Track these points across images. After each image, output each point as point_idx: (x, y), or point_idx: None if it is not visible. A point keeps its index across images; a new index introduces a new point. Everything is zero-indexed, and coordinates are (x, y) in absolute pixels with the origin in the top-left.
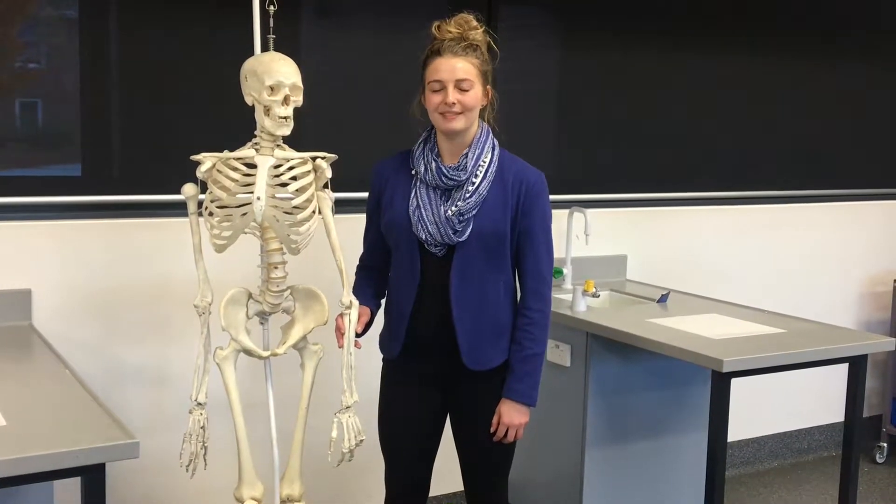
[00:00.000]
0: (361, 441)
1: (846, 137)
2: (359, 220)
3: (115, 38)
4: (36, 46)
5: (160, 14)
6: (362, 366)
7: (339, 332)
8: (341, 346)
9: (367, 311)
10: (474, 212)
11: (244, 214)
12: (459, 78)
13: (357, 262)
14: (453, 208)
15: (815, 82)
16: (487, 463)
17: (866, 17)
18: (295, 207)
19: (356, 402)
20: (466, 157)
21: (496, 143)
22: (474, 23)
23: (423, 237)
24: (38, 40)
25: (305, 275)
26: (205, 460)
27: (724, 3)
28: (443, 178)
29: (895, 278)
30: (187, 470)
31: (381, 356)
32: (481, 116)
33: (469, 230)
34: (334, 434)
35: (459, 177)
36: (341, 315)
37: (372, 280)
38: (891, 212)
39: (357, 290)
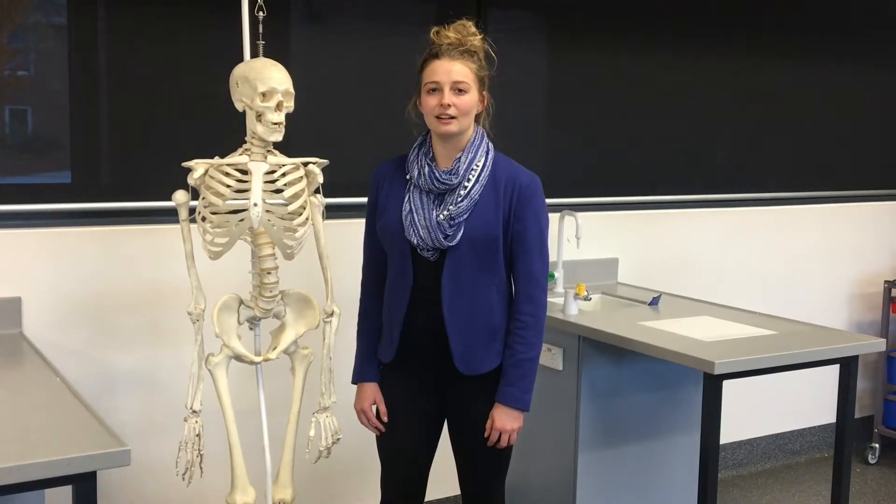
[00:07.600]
0: (338, 439)
1: (836, 139)
2: (349, 225)
3: (105, 45)
4: (25, 53)
5: (149, 20)
6: (347, 368)
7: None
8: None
9: (374, 390)
10: (465, 216)
11: (241, 220)
12: (456, 80)
13: (360, 276)
14: (445, 213)
15: (805, 84)
16: (483, 467)
17: (860, 19)
18: (289, 213)
19: (334, 402)
20: (459, 161)
21: (491, 146)
22: (473, 29)
23: (415, 242)
24: (27, 47)
25: (294, 280)
26: (200, 468)
27: (715, 4)
28: (435, 183)
29: (885, 279)
30: (183, 478)
31: None
32: (477, 121)
33: (460, 234)
34: (312, 433)
35: (451, 181)
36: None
37: (378, 323)
38: (881, 213)
39: (362, 343)
